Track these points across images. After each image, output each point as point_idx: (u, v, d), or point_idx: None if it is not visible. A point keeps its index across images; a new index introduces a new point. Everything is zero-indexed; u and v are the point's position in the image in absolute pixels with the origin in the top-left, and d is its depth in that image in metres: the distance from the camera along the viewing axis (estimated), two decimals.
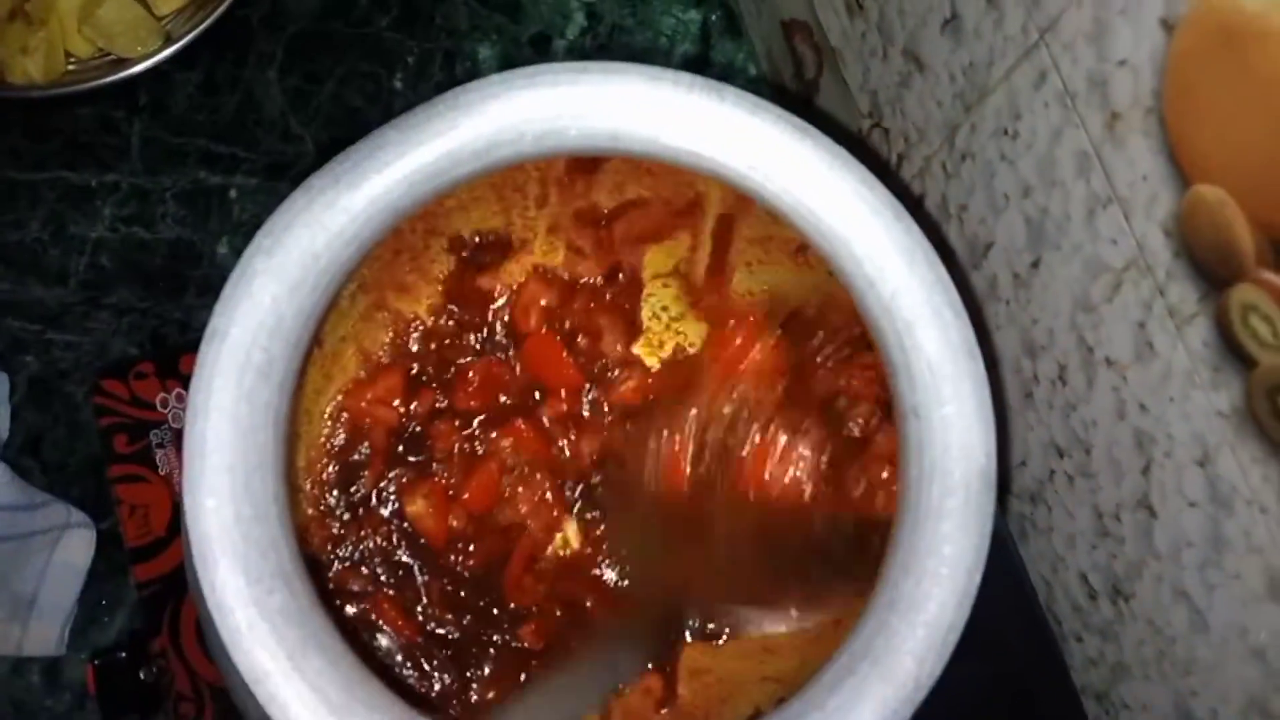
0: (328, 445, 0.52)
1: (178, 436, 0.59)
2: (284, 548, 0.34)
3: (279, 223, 0.37)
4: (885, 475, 0.48)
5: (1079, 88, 0.47)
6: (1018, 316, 0.56)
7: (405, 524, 0.52)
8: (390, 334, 0.54)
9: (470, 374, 0.54)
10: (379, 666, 0.39)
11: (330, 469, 0.52)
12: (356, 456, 0.52)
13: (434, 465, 0.53)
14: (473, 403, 0.54)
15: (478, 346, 0.55)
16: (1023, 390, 0.57)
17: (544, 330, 0.55)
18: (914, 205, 0.63)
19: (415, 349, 0.54)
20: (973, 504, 0.37)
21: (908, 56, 0.61)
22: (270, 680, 0.33)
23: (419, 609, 0.51)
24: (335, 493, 0.51)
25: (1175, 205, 0.44)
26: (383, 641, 0.50)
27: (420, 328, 0.54)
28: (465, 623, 0.51)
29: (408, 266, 0.53)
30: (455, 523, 0.52)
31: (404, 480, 0.52)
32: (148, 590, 0.56)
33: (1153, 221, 0.45)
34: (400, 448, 0.53)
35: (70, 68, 0.68)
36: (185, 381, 0.59)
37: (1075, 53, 0.47)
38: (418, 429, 0.53)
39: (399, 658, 0.50)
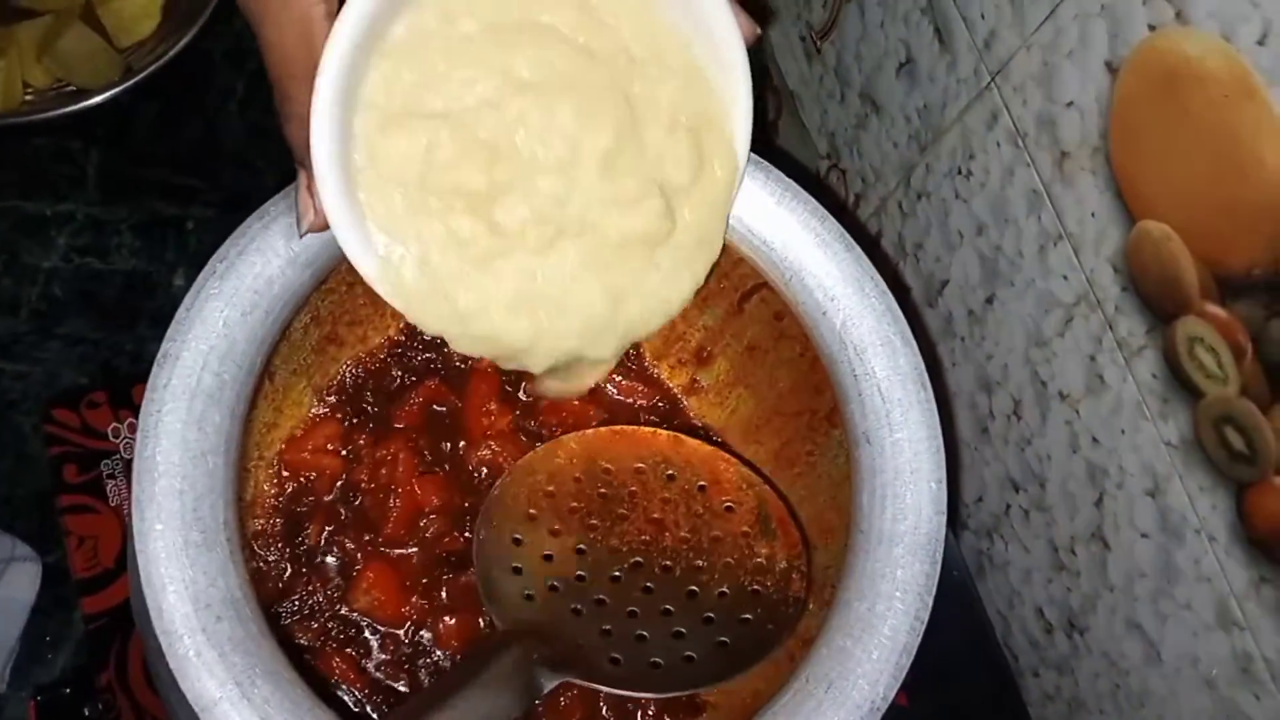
0: (272, 495, 0.51)
1: (129, 467, 0.58)
2: (233, 574, 0.34)
3: (233, 247, 0.37)
4: None
5: (1029, 128, 0.49)
6: (973, 352, 0.57)
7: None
8: (341, 365, 0.54)
9: (414, 394, 0.53)
10: (328, 696, 0.38)
11: (275, 521, 0.51)
12: (300, 508, 0.52)
13: (369, 513, 0.52)
14: (408, 423, 0.53)
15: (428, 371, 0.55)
16: (978, 426, 0.58)
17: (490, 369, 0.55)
18: (871, 244, 0.64)
19: (362, 379, 0.54)
20: (924, 528, 0.38)
21: (864, 99, 0.62)
22: (218, 708, 0.32)
23: (369, 666, 0.50)
24: (280, 544, 0.50)
25: (1122, 241, 0.45)
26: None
27: (371, 359, 0.54)
28: (417, 682, 0.50)
29: (362, 299, 0.53)
30: (408, 608, 0.51)
31: (347, 544, 0.51)
32: (95, 624, 0.55)
33: (1101, 257, 0.46)
34: (340, 506, 0.52)
35: (27, 97, 0.68)
36: (138, 411, 0.58)
37: (1025, 94, 0.48)
38: (352, 478, 0.52)
39: (348, 700, 0.49)
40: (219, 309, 0.36)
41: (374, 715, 0.49)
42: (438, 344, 0.55)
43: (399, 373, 0.55)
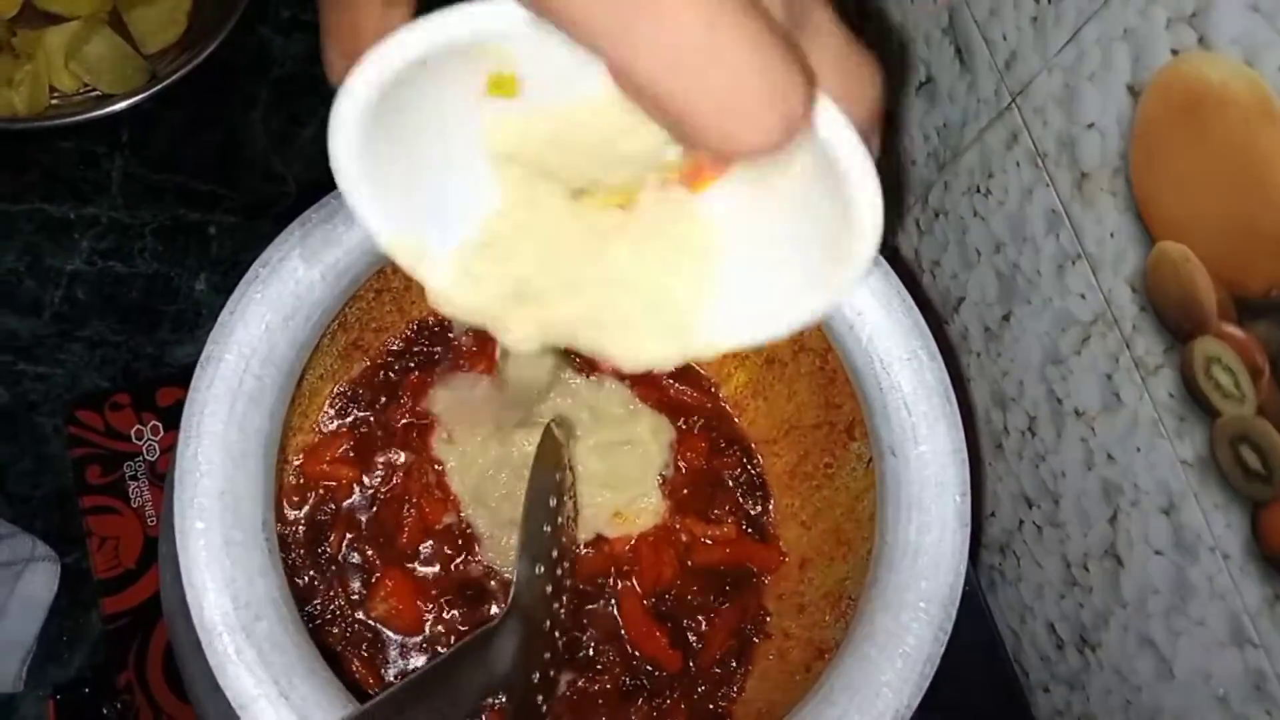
0: (295, 501, 0.51)
1: (152, 469, 0.59)
2: (271, 574, 0.34)
3: (275, 253, 0.38)
4: None
5: (1049, 148, 0.49)
6: (988, 369, 0.58)
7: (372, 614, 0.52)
8: (362, 365, 0.55)
9: (403, 393, 0.54)
10: (361, 697, 0.38)
11: (298, 526, 0.51)
12: (322, 516, 0.52)
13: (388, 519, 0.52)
14: (408, 419, 0.54)
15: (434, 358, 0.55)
16: (993, 442, 0.59)
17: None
18: (887, 261, 0.64)
19: (364, 387, 0.55)
20: (948, 540, 0.38)
21: (883, 116, 0.63)
22: (256, 705, 0.32)
23: (389, 674, 0.50)
24: (302, 549, 0.51)
25: (1141, 261, 0.46)
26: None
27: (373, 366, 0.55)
28: None
29: (389, 306, 0.54)
30: (427, 611, 0.52)
31: (367, 552, 0.52)
32: (115, 624, 0.55)
33: (1120, 277, 0.47)
34: (360, 514, 0.52)
35: (53, 102, 0.69)
36: (162, 414, 0.59)
37: (1046, 115, 0.49)
38: (369, 486, 0.53)
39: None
40: (261, 314, 0.36)
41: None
42: (425, 342, 0.56)
43: (390, 374, 0.56)
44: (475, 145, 0.32)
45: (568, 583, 0.49)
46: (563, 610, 0.48)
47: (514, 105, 0.30)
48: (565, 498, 0.49)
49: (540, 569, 0.45)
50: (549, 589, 0.46)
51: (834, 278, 0.31)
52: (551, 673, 0.47)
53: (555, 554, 0.47)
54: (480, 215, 0.34)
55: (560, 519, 0.47)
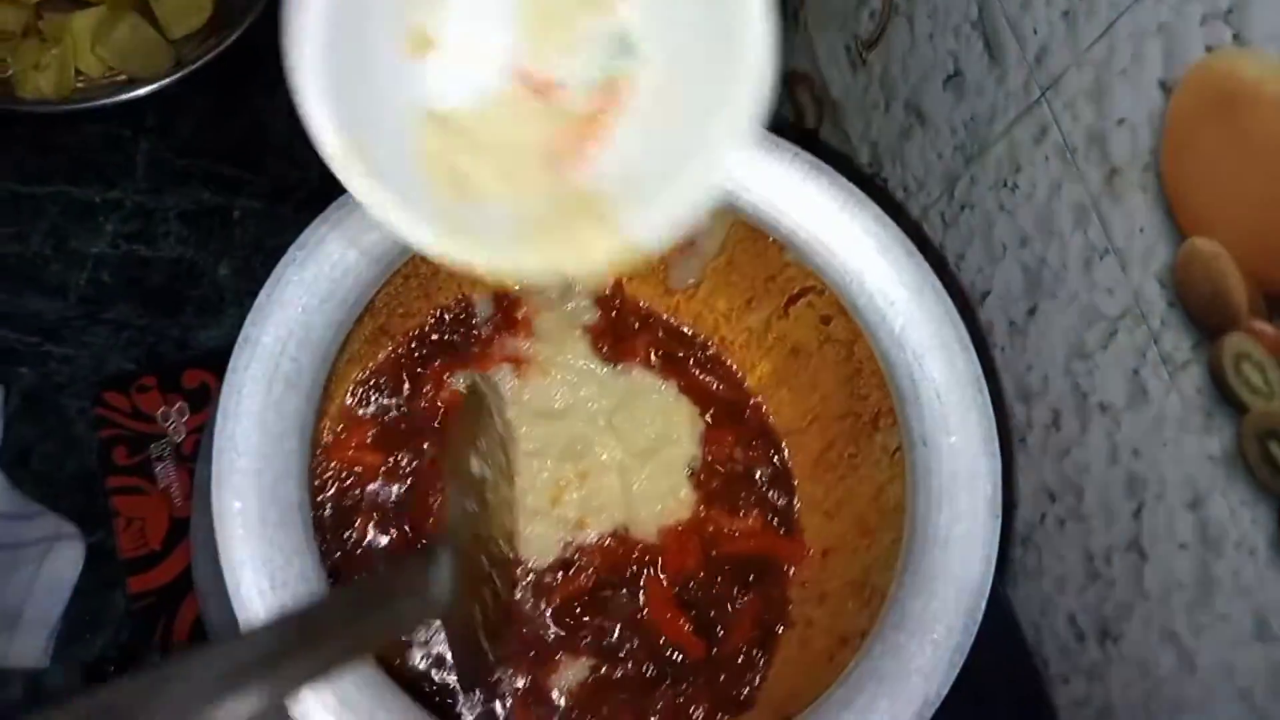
0: (321, 484, 0.52)
1: (177, 451, 0.59)
2: (307, 554, 0.35)
3: (312, 236, 0.38)
4: None
5: (1079, 143, 0.49)
6: (1013, 363, 0.58)
7: None
8: (387, 350, 0.55)
9: (427, 385, 0.55)
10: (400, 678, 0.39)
11: (324, 511, 0.52)
12: (347, 501, 0.52)
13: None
14: (432, 408, 0.55)
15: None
16: (1016, 435, 0.59)
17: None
18: (918, 250, 0.64)
19: (388, 373, 0.55)
20: (979, 530, 0.38)
21: (909, 110, 0.63)
22: None
23: (415, 656, 0.51)
24: (328, 534, 0.51)
25: (1171, 257, 0.46)
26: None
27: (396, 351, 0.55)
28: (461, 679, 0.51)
29: (416, 292, 0.54)
30: None
31: (392, 535, 0.52)
32: (141, 603, 0.55)
33: (1148, 272, 0.47)
34: (386, 500, 0.53)
35: (79, 85, 0.69)
36: (187, 396, 0.60)
37: (1076, 110, 0.49)
38: (395, 472, 0.54)
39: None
40: (298, 296, 0.37)
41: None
42: (447, 329, 0.56)
43: (414, 360, 0.56)
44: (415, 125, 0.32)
45: (501, 537, 0.50)
46: (491, 561, 0.48)
47: (431, 71, 0.31)
48: (496, 449, 0.50)
49: (471, 507, 0.46)
50: (478, 532, 0.47)
51: (727, 127, 0.29)
52: (494, 614, 0.47)
53: (487, 498, 0.48)
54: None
55: (491, 464, 0.49)
